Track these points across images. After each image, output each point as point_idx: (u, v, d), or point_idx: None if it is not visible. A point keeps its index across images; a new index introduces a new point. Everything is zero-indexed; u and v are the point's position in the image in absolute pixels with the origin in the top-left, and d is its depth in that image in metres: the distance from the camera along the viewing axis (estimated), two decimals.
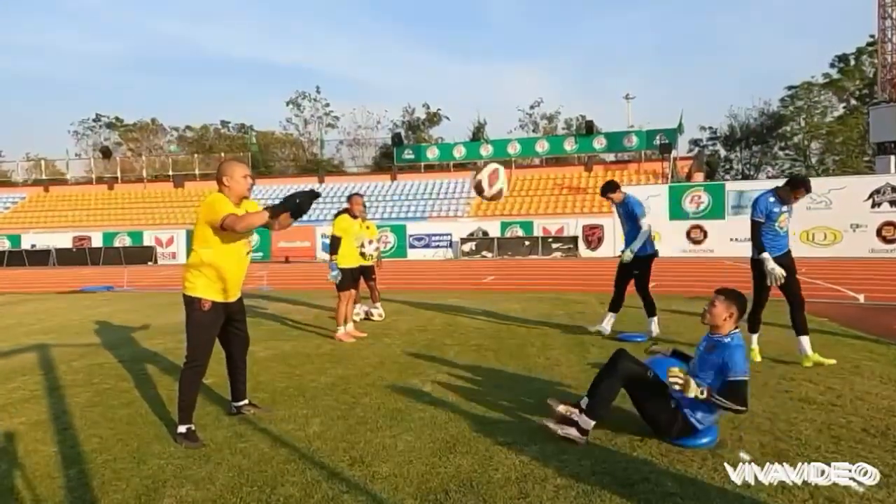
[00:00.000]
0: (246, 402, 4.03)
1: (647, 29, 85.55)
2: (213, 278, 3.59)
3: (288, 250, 26.89)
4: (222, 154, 39.80)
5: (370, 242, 7.24)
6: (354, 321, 7.11)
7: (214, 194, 3.59)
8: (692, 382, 3.08)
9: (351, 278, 6.86)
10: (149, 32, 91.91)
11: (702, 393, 3.08)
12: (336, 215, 7.04)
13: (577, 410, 3.40)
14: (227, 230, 3.44)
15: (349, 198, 7.09)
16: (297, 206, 3.33)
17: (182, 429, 3.51)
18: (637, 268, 6.42)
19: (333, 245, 6.76)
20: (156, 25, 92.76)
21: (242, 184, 3.61)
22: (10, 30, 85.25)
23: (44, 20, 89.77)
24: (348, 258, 6.84)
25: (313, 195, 3.42)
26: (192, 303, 3.58)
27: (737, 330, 3.38)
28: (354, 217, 6.98)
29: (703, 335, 3.53)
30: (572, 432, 3.31)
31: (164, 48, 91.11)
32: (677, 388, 3.09)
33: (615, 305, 6.56)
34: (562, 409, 3.46)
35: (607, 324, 6.50)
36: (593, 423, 3.31)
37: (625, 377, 3.32)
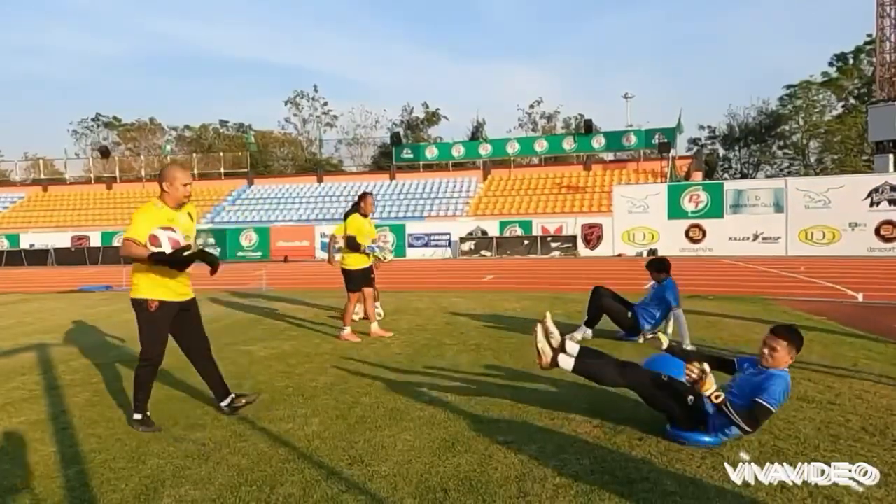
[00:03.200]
0: (232, 396, 4.01)
1: (646, 28, 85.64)
2: (158, 278, 3.66)
3: (287, 249, 26.89)
4: (221, 154, 39.80)
5: (380, 248, 7.15)
6: (353, 320, 7.08)
7: (146, 204, 3.74)
8: (710, 380, 3.05)
9: (362, 279, 6.81)
10: (148, 32, 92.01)
11: (717, 397, 3.04)
12: (347, 214, 6.98)
13: (557, 349, 3.50)
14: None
15: (361, 196, 7.01)
16: (177, 261, 3.55)
17: (138, 416, 3.69)
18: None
19: (351, 244, 6.68)
20: (155, 25, 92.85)
21: (181, 191, 3.75)
22: (10, 29, 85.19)
23: (43, 20, 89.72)
24: (359, 259, 6.78)
25: (204, 258, 3.71)
26: (139, 304, 3.67)
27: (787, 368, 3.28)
28: (365, 216, 6.93)
29: (749, 356, 3.43)
30: (547, 353, 3.47)
31: (163, 48, 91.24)
32: (692, 378, 3.08)
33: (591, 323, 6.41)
34: (552, 337, 3.54)
35: (580, 333, 6.29)
36: (570, 371, 3.45)
37: (630, 385, 3.39)
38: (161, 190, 3.74)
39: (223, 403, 3.98)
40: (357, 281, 6.75)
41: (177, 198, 3.73)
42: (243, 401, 3.99)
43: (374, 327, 6.84)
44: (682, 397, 3.27)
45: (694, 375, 3.06)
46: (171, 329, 3.82)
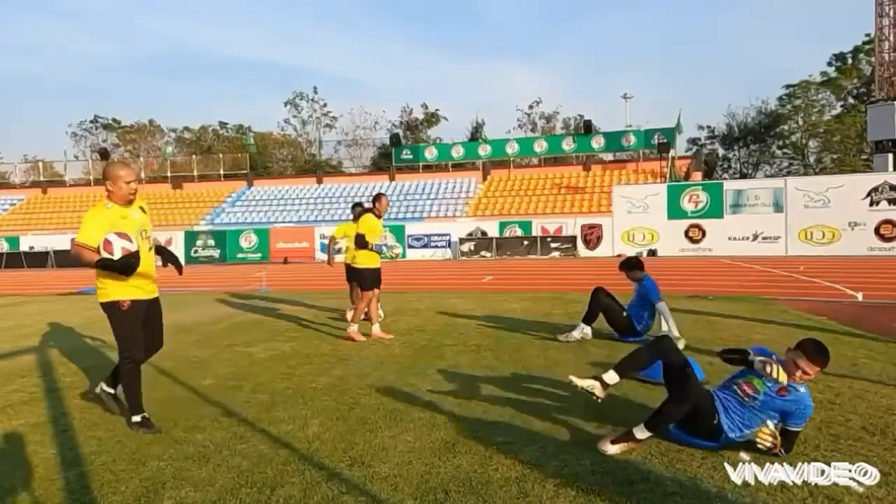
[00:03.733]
0: (113, 393, 4.04)
1: (646, 28, 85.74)
2: (124, 278, 3.66)
3: (287, 251, 26.88)
4: (220, 155, 39.80)
5: (388, 247, 7.14)
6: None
7: (96, 205, 3.74)
8: (780, 439, 3.07)
9: (373, 278, 6.80)
10: (147, 33, 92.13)
11: (776, 446, 3.06)
12: (360, 214, 6.99)
13: (632, 443, 3.26)
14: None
15: (376, 197, 7.01)
16: (120, 268, 3.53)
17: (137, 418, 3.68)
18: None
19: (359, 242, 6.68)
20: (154, 26, 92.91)
21: (125, 189, 3.73)
22: (9, 30, 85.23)
23: (42, 20, 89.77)
24: (370, 258, 6.79)
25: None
26: (111, 307, 3.68)
27: None
28: (379, 217, 6.92)
29: (761, 348, 3.33)
30: (596, 385, 3.44)
31: (162, 49, 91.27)
32: (767, 447, 3.06)
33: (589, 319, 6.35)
34: (615, 449, 3.25)
35: (578, 331, 6.26)
36: (650, 434, 3.20)
37: (694, 401, 3.20)
38: (107, 189, 3.74)
39: (104, 386, 4.02)
40: (369, 280, 6.76)
41: (122, 196, 3.72)
42: (115, 406, 3.99)
43: (376, 329, 6.84)
44: (708, 410, 3.18)
45: (769, 444, 3.05)
46: None
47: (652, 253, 22.42)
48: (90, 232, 3.56)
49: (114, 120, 58.02)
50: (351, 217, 7.93)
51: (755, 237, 21.47)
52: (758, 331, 6.50)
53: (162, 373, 5.27)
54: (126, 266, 3.53)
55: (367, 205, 7.26)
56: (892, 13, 27.77)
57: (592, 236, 24.07)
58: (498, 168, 33.44)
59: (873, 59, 32.41)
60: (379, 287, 6.96)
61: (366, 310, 6.93)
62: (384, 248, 6.88)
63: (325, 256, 7.48)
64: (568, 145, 33.12)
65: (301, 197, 33.18)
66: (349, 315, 7.60)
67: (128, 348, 3.73)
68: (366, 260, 6.77)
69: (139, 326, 3.77)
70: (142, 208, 3.88)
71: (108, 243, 3.50)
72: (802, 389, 3.12)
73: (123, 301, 3.66)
